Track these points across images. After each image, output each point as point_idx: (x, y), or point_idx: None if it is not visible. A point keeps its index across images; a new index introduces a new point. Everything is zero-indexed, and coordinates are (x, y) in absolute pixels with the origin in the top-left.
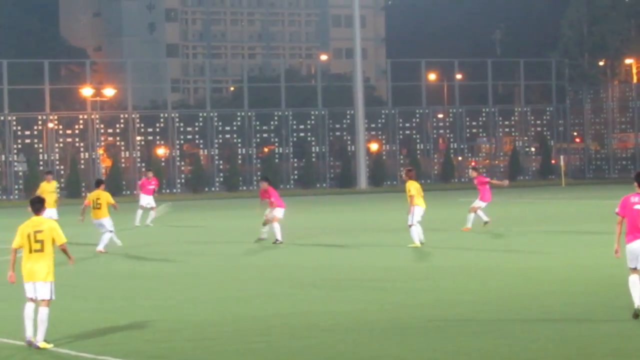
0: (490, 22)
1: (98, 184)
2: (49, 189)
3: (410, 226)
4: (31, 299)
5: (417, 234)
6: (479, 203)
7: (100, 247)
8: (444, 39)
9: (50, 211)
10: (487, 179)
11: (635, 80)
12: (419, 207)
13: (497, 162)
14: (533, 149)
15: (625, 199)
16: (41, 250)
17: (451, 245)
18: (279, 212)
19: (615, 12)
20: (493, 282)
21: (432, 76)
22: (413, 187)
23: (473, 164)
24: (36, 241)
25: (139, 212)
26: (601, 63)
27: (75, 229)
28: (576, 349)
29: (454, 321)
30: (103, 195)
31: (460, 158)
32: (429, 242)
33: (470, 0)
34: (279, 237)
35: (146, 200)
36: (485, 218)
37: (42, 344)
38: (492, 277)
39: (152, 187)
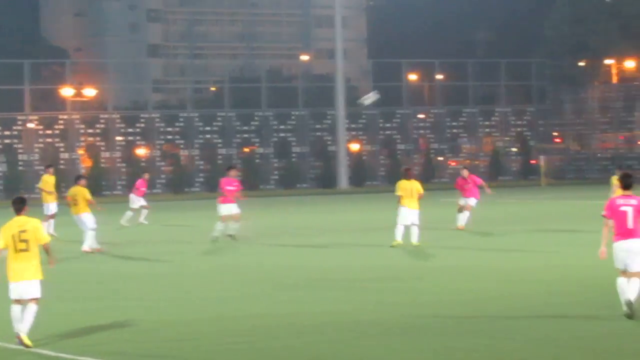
0: (472, 23)
1: (77, 179)
2: (51, 181)
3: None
4: (17, 301)
5: (399, 232)
6: (472, 201)
7: (85, 247)
8: (426, 39)
9: (53, 205)
10: (480, 179)
11: (616, 81)
12: (404, 208)
13: (477, 162)
14: (514, 150)
15: (611, 200)
16: (27, 249)
17: (434, 245)
18: (238, 208)
19: (596, 13)
20: (476, 282)
21: (413, 77)
22: (400, 187)
23: (454, 164)
24: (21, 241)
25: (144, 211)
26: (582, 64)
27: (66, 228)
28: (558, 349)
29: (436, 321)
30: (80, 191)
31: (441, 158)
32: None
33: (453, 1)
34: (236, 232)
35: (139, 201)
36: (461, 223)
37: (24, 338)
38: (475, 277)
39: (144, 188)
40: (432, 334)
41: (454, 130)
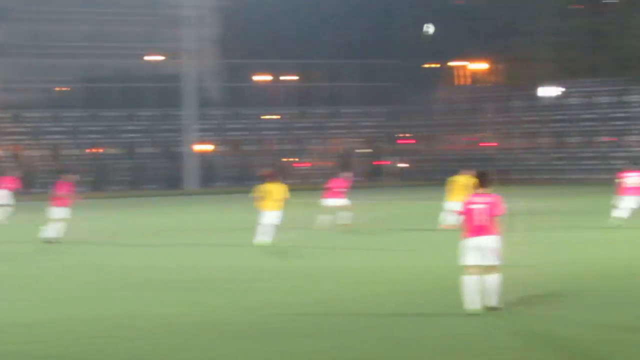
0: (323, 24)
1: None
2: None
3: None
4: None
5: (260, 232)
6: (345, 201)
7: None
8: (277, 41)
9: None
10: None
11: (464, 83)
12: (263, 209)
13: (327, 163)
14: (364, 150)
15: (466, 198)
16: None
17: (288, 244)
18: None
19: (446, 15)
20: (326, 283)
21: (265, 77)
22: (260, 189)
23: (304, 165)
24: None
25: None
26: (432, 66)
27: None
28: (404, 350)
29: (286, 322)
30: None
31: (290, 159)
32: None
33: (304, 2)
34: (58, 235)
35: (6, 198)
36: (324, 221)
37: None
38: (326, 277)
39: (15, 185)
40: (280, 336)
41: (304, 131)
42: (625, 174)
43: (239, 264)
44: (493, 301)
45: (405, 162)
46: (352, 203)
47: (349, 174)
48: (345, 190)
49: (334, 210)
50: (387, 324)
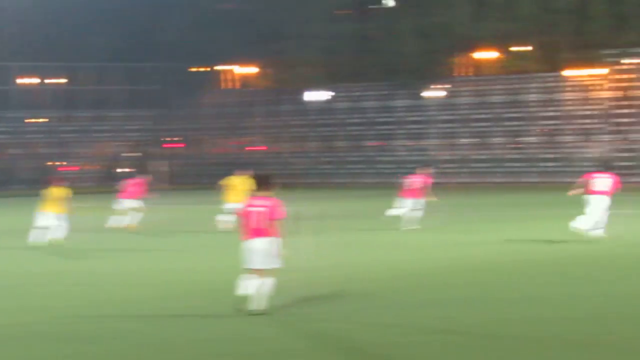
0: (92, 27)
1: None
2: None
3: None
4: None
5: (34, 234)
6: (139, 203)
7: None
8: (46, 43)
9: None
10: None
11: (234, 86)
12: (41, 212)
13: (93, 167)
14: (131, 154)
15: (244, 202)
16: None
17: (66, 247)
18: None
19: (214, 19)
20: (99, 286)
21: (30, 80)
22: (43, 194)
23: (71, 169)
24: None
25: None
26: (200, 69)
27: None
28: (174, 354)
29: (46, 326)
30: None
31: (56, 163)
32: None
33: (74, 5)
34: None
35: None
36: (125, 222)
37: None
38: (99, 280)
39: None
40: (40, 340)
41: (69, 135)
42: (409, 177)
43: (8, 268)
44: (262, 305)
45: (174, 166)
46: (136, 207)
47: (146, 176)
48: (141, 192)
49: (127, 211)
50: (158, 327)
